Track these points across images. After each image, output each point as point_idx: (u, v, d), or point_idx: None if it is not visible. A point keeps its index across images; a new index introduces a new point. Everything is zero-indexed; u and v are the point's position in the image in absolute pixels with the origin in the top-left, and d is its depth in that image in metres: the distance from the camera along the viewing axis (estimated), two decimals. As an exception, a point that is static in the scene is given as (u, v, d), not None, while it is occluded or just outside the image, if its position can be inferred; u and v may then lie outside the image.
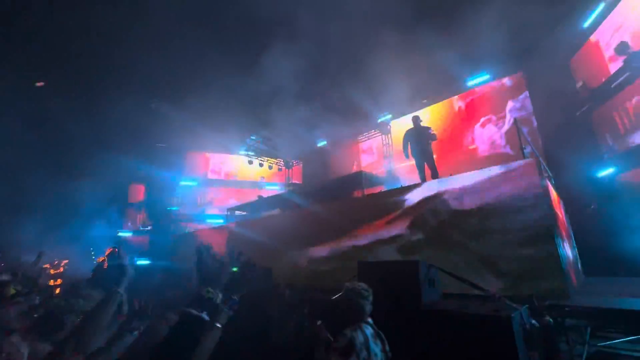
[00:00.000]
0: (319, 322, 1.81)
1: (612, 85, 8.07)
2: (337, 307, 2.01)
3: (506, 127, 10.52)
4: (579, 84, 9.13)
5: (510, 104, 10.74)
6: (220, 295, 0.94)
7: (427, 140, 6.25)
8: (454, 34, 9.13)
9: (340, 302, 1.96)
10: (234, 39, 9.74)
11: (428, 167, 6.18)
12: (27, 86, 11.09)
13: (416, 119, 6.58)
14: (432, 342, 2.35)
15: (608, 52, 8.10)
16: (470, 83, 11.27)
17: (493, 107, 11.11)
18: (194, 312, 0.85)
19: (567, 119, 9.10)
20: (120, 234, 16.63)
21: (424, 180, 6.01)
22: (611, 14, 8.03)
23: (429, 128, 6.48)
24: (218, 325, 1.06)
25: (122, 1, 9.21)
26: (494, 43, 9.26)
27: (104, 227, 15.10)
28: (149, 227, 16.19)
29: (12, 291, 1.27)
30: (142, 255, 13.08)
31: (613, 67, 7.99)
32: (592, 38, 8.65)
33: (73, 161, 14.33)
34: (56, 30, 9.98)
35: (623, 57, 7.61)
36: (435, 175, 6.04)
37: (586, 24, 8.59)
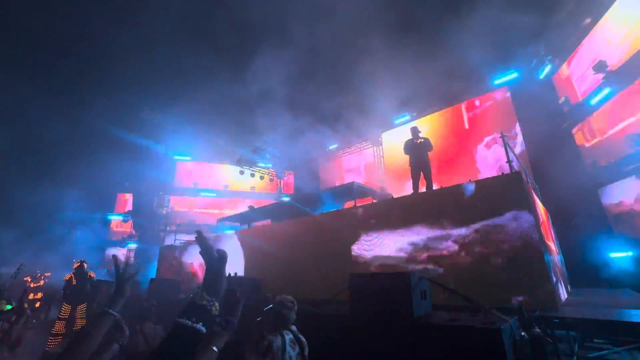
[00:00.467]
0: (259, 319, 2.10)
1: (592, 102, 8.42)
2: (267, 315, 2.46)
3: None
4: (561, 99, 9.50)
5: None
6: (216, 304, 0.89)
7: (425, 151, 6.33)
8: (441, 50, 9.44)
9: (270, 312, 2.35)
10: (226, 48, 9.83)
11: (424, 177, 6.25)
12: (10, 88, 10.87)
13: (414, 130, 6.66)
14: (423, 354, 2.33)
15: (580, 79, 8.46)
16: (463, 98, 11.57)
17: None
18: (189, 323, 0.80)
19: (551, 133, 9.42)
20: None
21: (416, 191, 6.07)
22: (591, 32, 8.46)
23: (427, 139, 6.54)
24: (215, 349, 1.01)
25: (115, 8, 9.22)
26: (479, 57, 9.62)
27: (89, 237, 14.65)
28: (136, 238, 15.80)
29: (3, 306, 1.20)
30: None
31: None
32: (575, 56, 9.07)
33: (57, 169, 13.98)
34: (45, 33, 9.90)
35: (601, 75, 7.98)
36: (429, 187, 6.11)
37: (568, 42, 9.00)
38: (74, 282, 4.35)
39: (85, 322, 4.11)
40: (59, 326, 4.21)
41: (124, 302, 1.09)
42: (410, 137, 6.67)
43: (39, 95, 11.01)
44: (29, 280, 7.05)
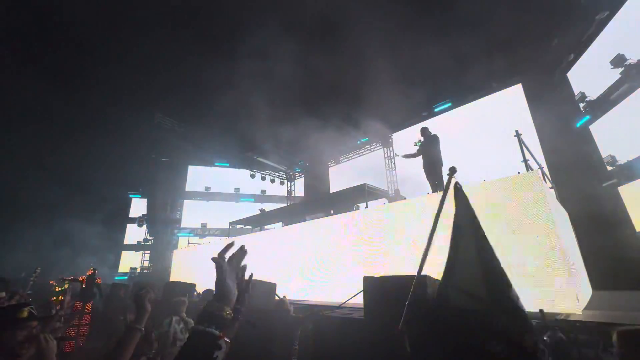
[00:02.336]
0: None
1: (611, 97, 8.16)
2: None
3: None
4: (578, 95, 9.24)
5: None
6: (228, 310, 0.92)
7: (434, 149, 6.25)
8: (452, 45, 9.29)
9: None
10: (237, 53, 9.92)
11: (435, 178, 6.18)
12: (29, 96, 11.24)
13: (425, 130, 6.60)
14: (442, 360, 2.28)
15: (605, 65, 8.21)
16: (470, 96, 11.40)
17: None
18: (210, 330, 0.83)
19: (567, 131, 9.16)
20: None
21: (435, 191, 5.99)
22: (607, 26, 8.20)
23: (435, 136, 6.43)
24: (226, 339, 1.03)
25: (129, 12, 9.45)
26: (493, 54, 9.45)
27: (104, 242, 15.00)
28: (150, 242, 16.10)
29: (24, 313, 1.20)
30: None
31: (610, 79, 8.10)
32: (589, 50, 8.81)
33: (75, 175, 14.37)
34: (59, 36, 10.20)
35: (620, 69, 7.73)
36: (440, 186, 6.02)
37: (583, 37, 8.76)
38: (85, 285, 5.17)
39: (89, 316, 4.97)
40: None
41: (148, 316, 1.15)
42: (421, 139, 6.61)
43: (54, 97, 11.34)
44: (54, 284, 7.34)
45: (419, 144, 6.51)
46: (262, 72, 10.26)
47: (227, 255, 0.96)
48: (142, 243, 16.91)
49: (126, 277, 15.40)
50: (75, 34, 9.99)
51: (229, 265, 0.95)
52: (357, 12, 9.03)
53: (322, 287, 5.74)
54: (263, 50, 9.89)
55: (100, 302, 5.71)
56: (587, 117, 8.33)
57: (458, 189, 1.98)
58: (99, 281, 5.75)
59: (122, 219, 17.41)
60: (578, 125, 8.48)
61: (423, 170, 6.41)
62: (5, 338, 1.12)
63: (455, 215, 1.97)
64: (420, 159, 6.56)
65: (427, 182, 6.34)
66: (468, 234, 1.88)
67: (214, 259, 0.95)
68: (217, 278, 0.91)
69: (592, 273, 6.25)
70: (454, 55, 9.45)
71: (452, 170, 2.02)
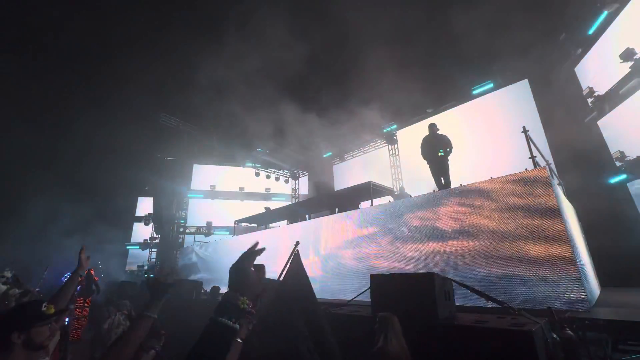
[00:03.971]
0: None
1: (620, 92, 8.03)
2: None
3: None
4: (585, 90, 9.09)
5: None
6: (245, 300, 0.93)
7: (443, 148, 6.19)
8: (458, 41, 9.20)
9: None
10: (240, 50, 9.93)
11: (441, 175, 6.13)
12: (36, 97, 11.38)
13: (432, 127, 6.51)
14: (449, 356, 2.28)
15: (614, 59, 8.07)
16: (476, 92, 11.29)
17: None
18: (227, 322, 0.84)
19: (575, 126, 9.04)
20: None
21: (441, 188, 5.95)
22: (615, 20, 8.05)
23: (444, 137, 6.37)
24: (239, 340, 1.05)
25: (134, 12, 9.50)
26: (498, 50, 9.34)
27: (112, 240, 15.18)
28: (157, 240, 16.24)
29: (51, 310, 1.24)
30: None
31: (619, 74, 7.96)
32: (597, 45, 8.66)
33: (81, 174, 14.53)
34: (66, 37, 10.30)
35: (630, 63, 7.59)
36: (447, 184, 5.98)
37: (591, 31, 8.61)
38: (83, 283, 5.88)
39: (88, 310, 5.70)
40: (76, 312, 5.71)
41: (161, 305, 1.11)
42: (427, 134, 6.54)
43: (59, 97, 11.47)
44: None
45: (442, 153, 6.30)
46: (268, 69, 10.26)
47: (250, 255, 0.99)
48: (149, 241, 17.08)
49: (138, 247, 15.74)
50: (81, 34, 10.08)
51: (248, 259, 0.97)
52: (365, 12, 8.99)
53: (329, 284, 5.76)
54: (269, 46, 9.88)
55: (98, 297, 6.34)
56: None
57: (296, 254, 2.34)
58: (96, 279, 6.69)
59: (129, 217, 17.60)
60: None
61: (429, 165, 6.34)
62: (35, 334, 1.16)
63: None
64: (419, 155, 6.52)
65: (432, 178, 6.30)
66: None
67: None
68: (235, 266, 0.93)
69: (600, 270, 6.19)
70: (459, 52, 9.37)
71: (297, 244, 2.39)
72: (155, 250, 16.66)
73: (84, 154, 14.22)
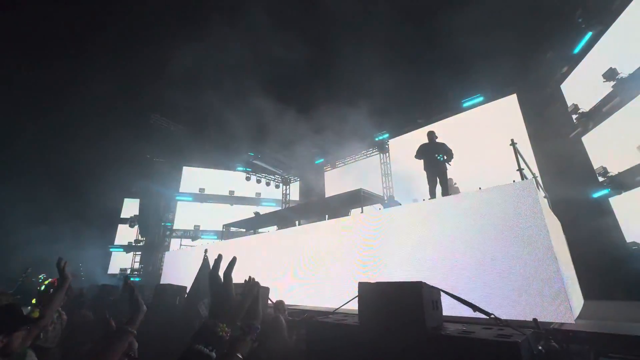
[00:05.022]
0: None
1: (603, 110, 8.33)
2: None
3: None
4: (571, 107, 9.41)
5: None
6: (226, 329, 0.87)
7: (442, 156, 6.21)
8: (449, 55, 9.43)
9: None
10: (233, 53, 9.93)
11: (440, 183, 6.16)
12: (23, 95, 11.10)
13: (431, 134, 6.54)
14: (436, 368, 2.26)
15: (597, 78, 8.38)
16: (466, 104, 11.54)
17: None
18: (205, 350, 0.79)
19: (560, 141, 9.31)
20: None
21: (433, 196, 5.98)
22: (600, 40, 8.39)
23: (444, 144, 6.41)
24: (239, 356, 0.98)
25: (124, 10, 9.42)
26: (488, 65, 9.60)
27: (95, 242, 14.73)
28: (142, 243, 15.86)
29: (36, 314, 1.19)
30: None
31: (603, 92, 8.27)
32: (582, 63, 9.00)
33: (64, 173, 14.13)
34: (55, 37, 10.12)
35: (612, 83, 7.90)
36: (445, 193, 6.02)
37: (576, 51, 8.95)
38: (56, 285, 5.55)
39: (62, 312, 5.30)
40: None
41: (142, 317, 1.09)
42: (426, 141, 6.57)
43: (44, 97, 11.21)
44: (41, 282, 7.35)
45: (440, 158, 6.27)
46: (260, 74, 10.27)
47: (222, 269, 0.93)
48: (134, 244, 16.66)
49: (122, 250, 15.26)
50: (73, 33, 9.92)
51: (225, 279, 0.92)
52: (354, 19, 9.13)
53: (316, 292, 5.69)
54: (261, 50, 9.91)
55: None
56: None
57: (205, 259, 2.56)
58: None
59: (114, 219, 17.14)
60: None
61: (425, 172, 6.35)
62: (15, 337, 1.11)
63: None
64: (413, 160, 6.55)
65: (428, 185, 6.32)
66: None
67: (210, 274, 0.92)
68: (210, 293, 0.88)
69: (584, 283, 6.30)
70: (451, 65, 9.60)
71: (205, 251, 2.61)
72: (140, 253, 16.26)
73: (67, 150, 13.83)
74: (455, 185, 7.33)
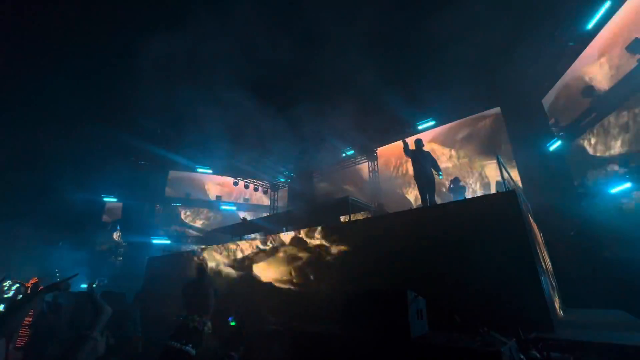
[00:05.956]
0: None
1: (581, 124, 8.68)
2: None
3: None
4: (552, 120, 9.77)
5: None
6: (208, 324, 0.86)
7: (429, 164, 6.35)
8: (432, 66, 9.63)
9: None
10: (223, 58, 9.84)
11: (428, 193, 6.25)
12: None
13: (419, 142, 6.69)
14: (420, 378, 2.25)
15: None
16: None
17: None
18: (178, 345, 0.77)
19: (541, 154, 9.61)
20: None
21: (426, 204, 6.05)
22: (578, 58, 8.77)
23: (429, 154, 6.57)
24: (232, 354, 0.97)
25: (112, 13, 9.26)
26: (473, 78, 9.88)
27: (74, 246, 14.17)
28: (123, 249, 15.36)
29: None
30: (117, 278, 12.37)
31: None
32: (563, 79, 9.37)
33: (40, 174, 13.59)
34: (37, 38, 9.85)
35: (589, 99, 8.27)
36: (432, 201, 6.11)
37: (558, 67, 9.30)
38: (29, 291, 5.57)
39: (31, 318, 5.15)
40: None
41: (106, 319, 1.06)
42: (413, 148, 6.70)
43: (35, 96, 10.86)
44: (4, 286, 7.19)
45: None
46: (247, 79, 10.23)
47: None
48: (114, 249, 16.11)
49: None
50: (56, 36, 9.70)
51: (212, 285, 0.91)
52: (338, 25, 9.26)
53: (300, 300, 5.61)
54: (247, 54, 9.88)
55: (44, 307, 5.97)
56: (557, 140, 8.77)
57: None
58: (42, 288, 6.29)
59: (94, 223, 16.55)
60: (548, 145, 8.91)
61: (415, 181, 6.46)
62: None
63: None
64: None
65: (419, 195, 6.41)
66: None
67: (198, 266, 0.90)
68: (203, 292, 0.86)
69: (564, 292, 6.45)
70: (438, 77, 9.83)
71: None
72: (121, 258, 15.73)
73: (45, 153, 13.35)
74: (462, 184, 7.41)
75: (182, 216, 18.95)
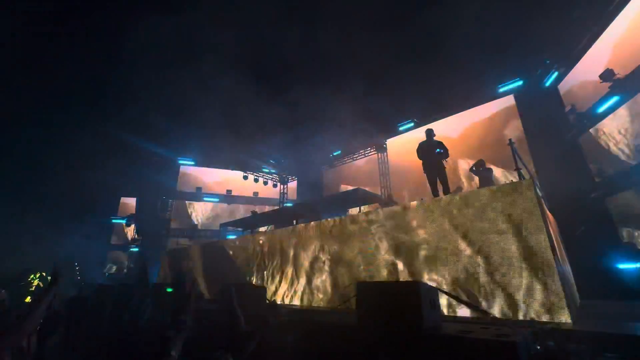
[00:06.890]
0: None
1: (599, 111, 8.36)
2: None
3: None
4: (568, 107, 9.44)
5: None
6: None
7: (439, 150, 6.19)
8: (451, 50, 9.38)
9: None
10: (233, 54, 9.84)
11: (440, 182, 6.15)
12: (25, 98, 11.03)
13: (429, 132, 6.52)
14: (434, 368, 2.25)
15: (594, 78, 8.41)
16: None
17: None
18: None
19: (557, 141, 9.33)
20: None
21: (436, 195, 5.97)
22: (596, 42, 8.42)
23: (440, 142, 6.39)
24: (173, 354, 1.03)
25: (116, 10, 9.35)
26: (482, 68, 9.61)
27: (91, 242, 14.60)
28: (139, 242, 15.75)
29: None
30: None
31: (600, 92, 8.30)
32: (580, 64, 9.02)
33: (60, 173, 13.99)
34: (48, 37, 10.05)
35: (609, 84, 7.93)
36: (446, 191, 6.00)
37: (574, 52, 8.95)
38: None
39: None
40: None
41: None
42: (424, 139, 6.55)
43: (41, 97, 11.15)
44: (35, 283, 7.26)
45: (439, 150, 6.26)
46: (255, 72, 10.21)
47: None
48: (131, 243, 16.57)
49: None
50: (66, 33, 9.86)
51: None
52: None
53: (314, 291, 5.67)
54: (254, 46, 9.85)
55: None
56: (556, 72, 8.26)
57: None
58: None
59: (110, 217, 17.03)
60: (547, 83, 8.47)
61: (425, 172, 6.34)
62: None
63: None
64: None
65: (429, 185, 6.31)
66: None
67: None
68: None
69: (580, 282, 6.33)
70: (452, 64, 9.60)
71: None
72: (137, 251, 16.16)
73: (62, 151, 13.69)
74: (488, 167, 7.12)
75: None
